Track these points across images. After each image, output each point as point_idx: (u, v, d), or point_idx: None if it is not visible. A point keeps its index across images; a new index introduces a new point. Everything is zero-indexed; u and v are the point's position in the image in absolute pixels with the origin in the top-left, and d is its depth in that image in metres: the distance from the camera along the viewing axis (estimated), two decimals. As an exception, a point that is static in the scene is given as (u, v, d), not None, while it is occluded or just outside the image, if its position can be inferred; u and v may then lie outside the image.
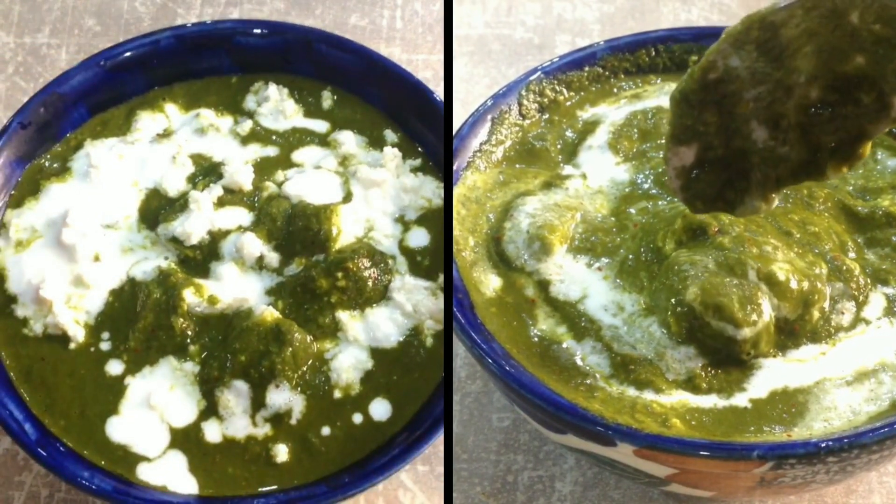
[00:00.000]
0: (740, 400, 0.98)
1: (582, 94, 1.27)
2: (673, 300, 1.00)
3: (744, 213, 1.03)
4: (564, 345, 1.03)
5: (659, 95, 1.25)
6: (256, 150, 1.24)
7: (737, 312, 0.98)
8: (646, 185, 1.15)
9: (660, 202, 1.13)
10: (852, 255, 1.06)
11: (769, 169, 1.00)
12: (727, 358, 0.99)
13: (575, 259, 1.09)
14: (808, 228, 1.07)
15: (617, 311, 1.04)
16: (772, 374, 0.99)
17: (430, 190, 1.21)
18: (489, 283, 1.09)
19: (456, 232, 1.11)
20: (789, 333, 1.01)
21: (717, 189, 1.02)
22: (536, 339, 1.04)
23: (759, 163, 1.00)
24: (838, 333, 1.01)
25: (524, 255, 1.10)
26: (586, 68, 1.27)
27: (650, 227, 1.09)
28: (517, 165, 1.20)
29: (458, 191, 1.15)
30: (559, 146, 1.22)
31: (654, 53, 1.28)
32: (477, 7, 1.69)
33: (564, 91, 1.26)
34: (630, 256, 1.07)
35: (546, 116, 1.24)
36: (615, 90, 1.27)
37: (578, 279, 1.07)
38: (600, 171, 1.18)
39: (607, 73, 1.28)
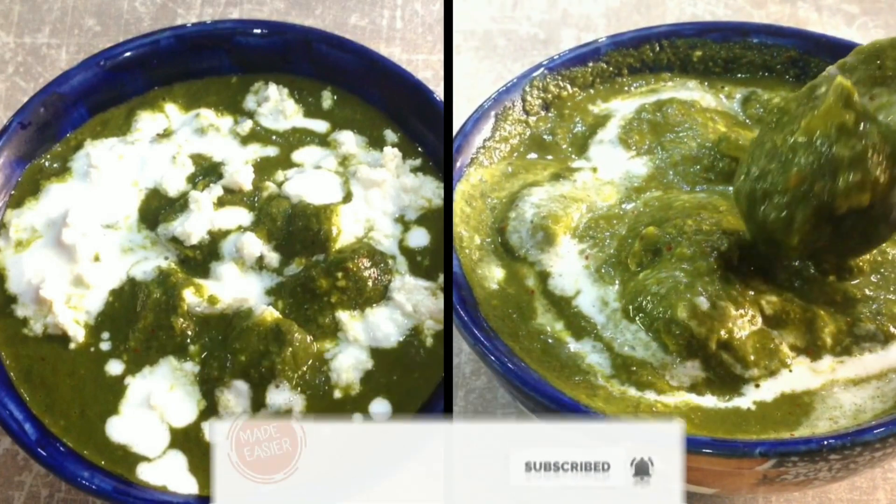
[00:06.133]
0: (744, 402, 0.97)
1: (588, 89, 1.26)
2: (660, 324, 0.99)
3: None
4: (564, 342, 1.02)
5: (677, 90, 1.24)
6: (256, 150, 1.23)
7: (749, 356, 0.98)
8: (657, 178, 1.15)
9: (668, 191, 1.12)
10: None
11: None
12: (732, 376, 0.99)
13: (576, 251, 1.09)
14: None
15: (602, 306, 1.04)
16: (780, 382, 0.98)
17: (430, 190, 1.21)
18: (493, 275, 1.08)
19: (460, 230, 1.11)
20: (806, 354, 1.00)
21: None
22: (537, 332, 1.03)
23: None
24: (863, 355, 1.01)
25: (528, 245, 1.10)
26: (590, 64, 1.26)
27: (639, 221, 1.08)
28: (529, 156, 1.19)
29: (461, 188, 1.14)
30: (569, 139, 1.21)
31: (658, 49, 1.28)
32: (482, 2, 1.68)
33: (568, 87, 1.25)
34: (612, 252, 1.07)
35: (551, 112, 1.24)
36: (622, 86, 1.27)
37: (573, 272, 1.07)
38: (611, 164, 1.18)
39: (612, 68, 1.27)
